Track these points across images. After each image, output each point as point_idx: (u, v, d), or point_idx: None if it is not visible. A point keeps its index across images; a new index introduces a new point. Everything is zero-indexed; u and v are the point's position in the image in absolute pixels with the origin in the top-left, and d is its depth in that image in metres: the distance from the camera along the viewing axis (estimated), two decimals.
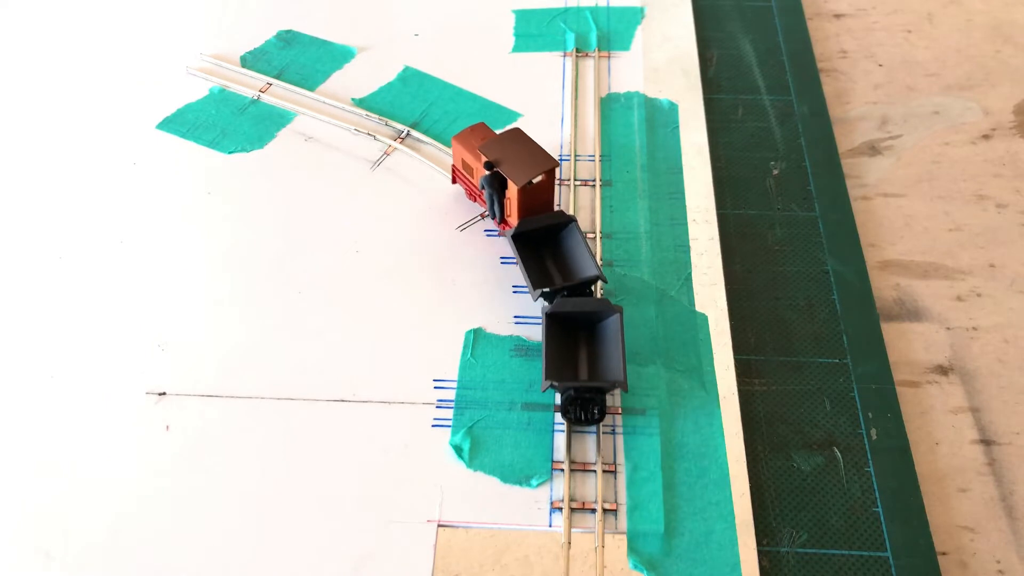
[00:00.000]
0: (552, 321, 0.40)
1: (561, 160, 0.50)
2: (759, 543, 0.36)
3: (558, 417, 0.39)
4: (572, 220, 0.43)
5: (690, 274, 0.44)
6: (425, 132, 0.52)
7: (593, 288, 0.42)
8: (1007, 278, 0.45)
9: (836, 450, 0.38)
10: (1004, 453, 0.39)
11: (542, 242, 0.44)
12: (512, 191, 0.44)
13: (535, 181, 0.43)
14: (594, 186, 0.49)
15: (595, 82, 0.55)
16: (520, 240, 0.43)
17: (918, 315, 0.44)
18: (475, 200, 0.48)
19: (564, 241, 0.43)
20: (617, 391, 0.39)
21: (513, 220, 0.45)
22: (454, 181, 0.49)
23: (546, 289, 0.41)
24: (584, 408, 0.38)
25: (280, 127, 0.53)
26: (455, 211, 0.48)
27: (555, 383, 0.38)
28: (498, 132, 0.46)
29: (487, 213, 0.47)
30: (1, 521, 0.37)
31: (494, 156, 0.44)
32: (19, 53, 0.60)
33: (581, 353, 0.40)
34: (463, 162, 0.47)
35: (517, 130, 0.46)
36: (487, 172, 0.44)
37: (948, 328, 0.43)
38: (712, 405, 0.39)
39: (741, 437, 0.38)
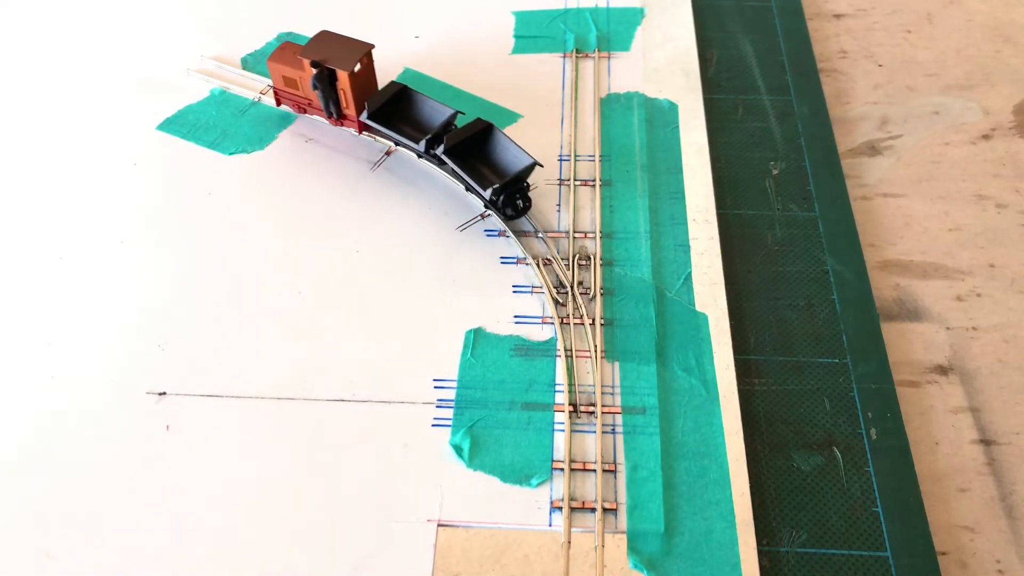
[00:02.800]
0: (454, 155, 0.46)
1: (561, 160, 0.50)
2: (759, 543, 0.36)
3: (558, 417, 0.39)
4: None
5: (690, 274, 0.44)
6: None
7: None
8: (1007, 278, 0.45)
9: (836, 450, 0.38)
10: (1004, 453, 0.39)
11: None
12: (343, 80, 0.48)
13: (359, 68, 0.48)
14: (594, 186, 0.49)
15: (595, 82, 0.55)
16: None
17: (918, 315, 0.44)
18: (305, 112, 0.52)
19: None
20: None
21: (350, 112, 0.49)
22: (279, 103, 0.53)
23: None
24: (513, 201, 0.45)
25: (281, 128, 0.53)
26: (455, 211, 0.48)
27: (495, 186, 0.44)
28: (305, 43, 0.50)
29: (323, 113, 0.50)
30: (1, 521, 0.37)
31: (315, 56, 0.48)
32: (19, 53, 0.60)
33: (484, 169, 0.47)
34: (284, 79, 0.51)
35: (324, 31, 0.50)
36: (314, 72, 0.47)
37: (948, 328, 0.43)
38: (712, 404, 0.39)
39: (741, 437, 0.38)
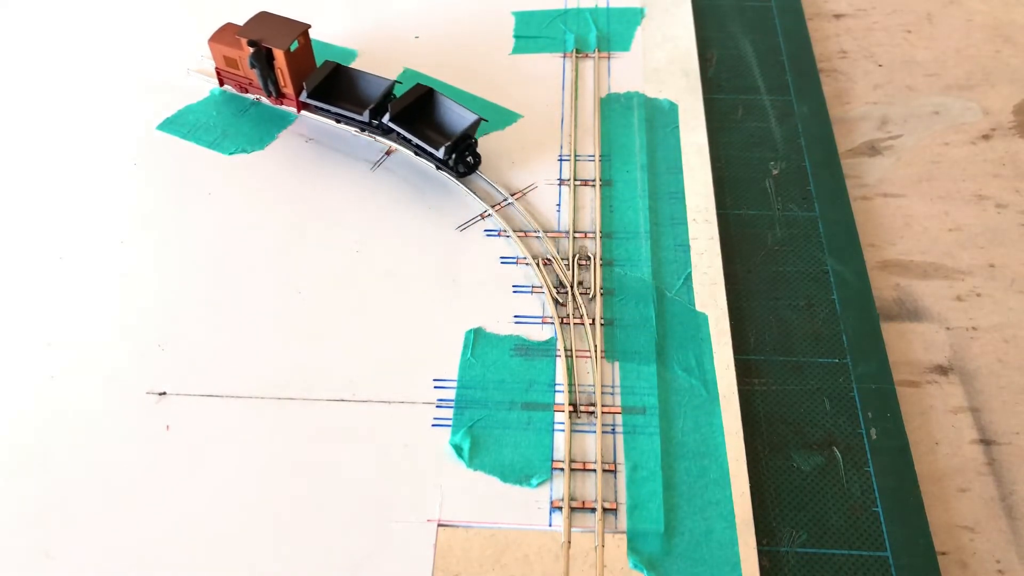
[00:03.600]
0: (399, 121, 0.48)
1: (561, 160, 0.50)
2: (759, 543, 0.36)
3: (558, 417, 0.39)
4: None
5: (690, 274, 0.44)
6: None
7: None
8: (1007, 278, 0.45)
9: (836, 450, 0.38)
10: (1004, 453, 0.39)
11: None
12: (280, 59, 0.49)
13: (295, 46, 0.49)
14: (594, 186, 0.49)
15: (595, 82, 0.55)
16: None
17: (918, 315, 0.44)
18: (246, 92, 0.54)
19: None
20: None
21: (288, 90, 0.50)
22: (221, 84, 0.54)
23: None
24: (463, 158, 0.47)
25: (281, 128, 0.53)
26: (455, 211, 0.48)
27: (447, 144, 0.46)
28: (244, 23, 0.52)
29: (263, 92, 0.52)
30: (1, 521, 0.37)
31: (252, 36, 0.50)
32: (19, 54, 0.60)
33: (430, 132, 0.48)
34: (225, 59, 0.52)
35: (264, 12, 0.51)
36: (252, 51, 0.49)
37: (948, 328, 0.43)
38: (712, 404, 0.39)
39: (741, 436, 0.38)
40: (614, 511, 0.36)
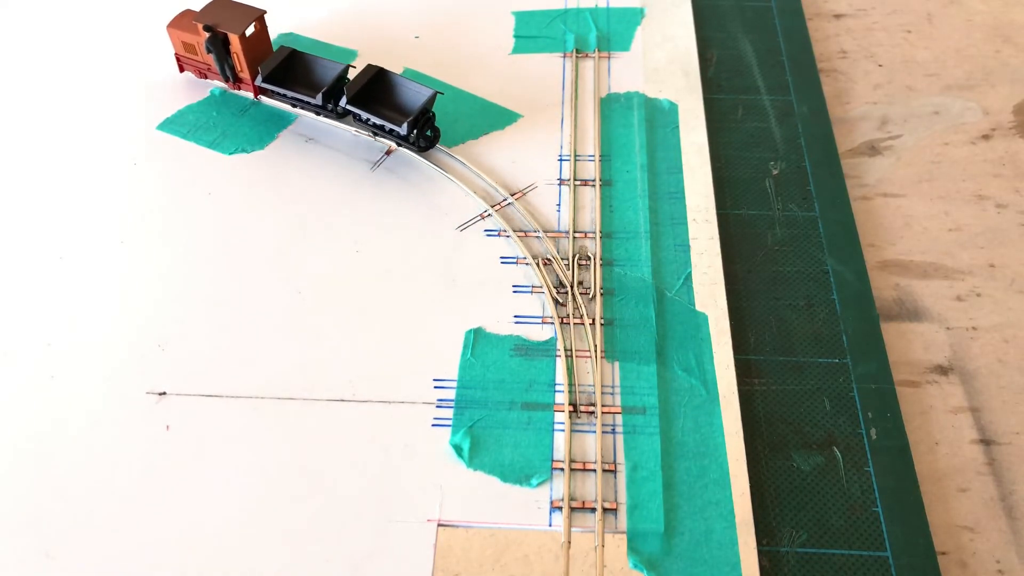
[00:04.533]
0: (356, 103, 0.49)
1: (561, 160, 0.50)
2: (759, 543, 0.36)
3: (558, 416, 0.39)
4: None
5: (690, 274, 0.44)
6: None
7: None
8: (1007, 278, 0.45)
9: (836, 450, 0.38)
10: (1004, 453, 0.39)
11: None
12: (235, 44, 0.50)
13: (250, 31, 0.50)
14: (594, 186, 0.49)
15: (595, 82, 0.55)
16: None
17: (918, 315, 0.44)
18: (206, 77, 0.55)
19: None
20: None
21: (244, 75, 0.51)
22: (181, 70, 0.55)
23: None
24: (423, 133, 0.48)
25: (280, 128, 0.53)
26: (455, 211, 0.48)
27: (409, 120, 0.47)
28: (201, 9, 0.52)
29: (220, 77, 0.53)
30: (1, 521, 0.37)
31: (208, 21, 0.50)
32: (19, 53, 0.60)
33: (388, 111, 0.49)
34: (183, 44, 0.53)
35: None
36: (207, 36, 0.50)
37: (948, 328, 0.43)
38: (712, 404, 0.39)
39: (741, 436, 0.38)
40: (614, 511, 0.36)
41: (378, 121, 0.48)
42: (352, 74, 0.51)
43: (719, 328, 0.42)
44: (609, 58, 0.57)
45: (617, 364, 0.41)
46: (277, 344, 0.42)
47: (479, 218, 0.47)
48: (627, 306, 0.43)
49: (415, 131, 0.48)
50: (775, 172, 0.50)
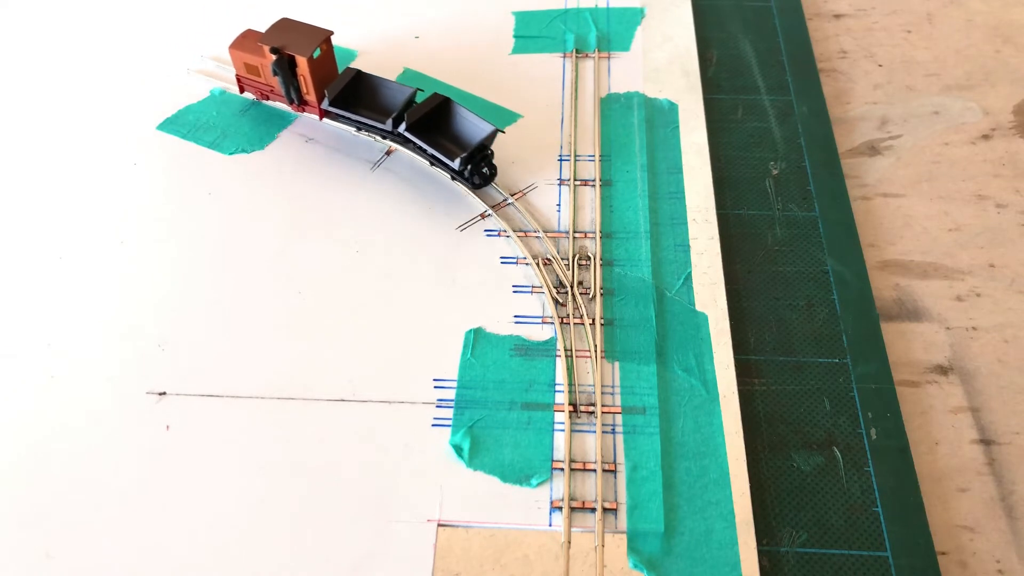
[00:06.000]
0: (416, 130, 0.47)
1: (561, 160, 0.50)
2: (759, 543, 0.36)
3: (558, 417, 0.39)
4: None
5: (690, 274, 0.44)
6: None
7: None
8: (1007, 278, 0.45)
9: (836, 450, 0.38)
10: (1004, 453, 0.39)
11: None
12: (303, 66, 0.49)
13: (318, 54, 0.49)
14: (594, 186, 0.49)
15: (595, 82, 0.55)
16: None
17: (918, 315, 0.44)
18: (268, 99, 0.53)
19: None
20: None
21: (311, 97, 0.50)
22: (241, 91, 0.54)
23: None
24: (479, 169, 0.47)
25: (280, 128, 0.53)
26: (455, 211, 0.48)
27: (463, 156, 0.45)
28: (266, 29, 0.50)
29: (285, 99, 0.51)
30: (1, 521, 0.37)
31: (275, 43, 0.49)
32: (19, 53, 0.60)
33: (446, 142, 0.48)
34: (246, 66, 0.52)
35: (285, 19, 0.50)
36: (274, 59, 0.48)
37: (948, 328, 0.43)
38: (712, 404, 0.39)
39: (741, 436, 0.38)
40: (614, 511, 0.36)
41: (433, 152, 0.47)
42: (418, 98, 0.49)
43: (719, 328, 0.42)
44: (609, 58, 0.57)
45: (617, 364, 0.41)
46: (277, 344, 0.42)
47: (479, 218, 0.48)
48: (627, 306, 0.43)
49: (469, 166, 0.47)
50: (775, 172, 0.50)
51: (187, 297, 0.45)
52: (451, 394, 0.40)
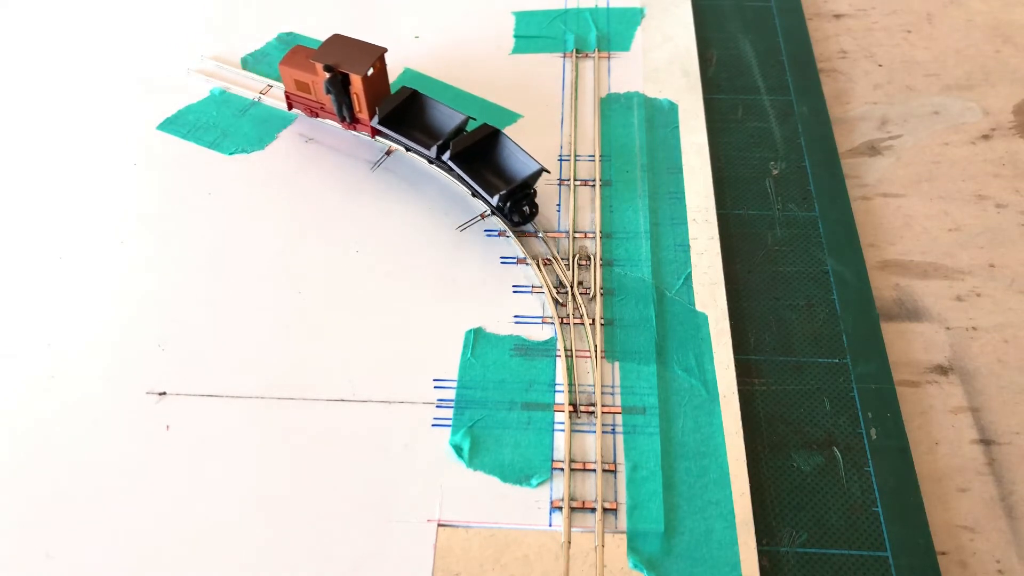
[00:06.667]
0: (460, 159, 0.46)
1: (561, 160, 0.50)
2: (759, 543, 0.36)
3: (558, 416, 0.39)
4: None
5: (690, 274, 0.44)
6: None
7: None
8: (1007, 278, 0.45)
9: (836, 450, 0.38)
10: (1004, 453, 0.39)
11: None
12: (356, 84, 0.47)
13: (372, 72, 0.47)
14: (594, 186, 0.49)
15: (595, 82, 0.55)
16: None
17: (918, 315, 0.44)
18: (317, 115, 0.52)
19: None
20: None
21: (363, 115, 0.48)
22: (290, 107, 0.53)
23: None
24: (519, 207, 0.45)
25: (281, 128, 0.53)
26: (455, 211, 0.48)
27: (503, 191, 0.44)
28: (318, 47, 0.49)
29: (336, 117, 0.50)
30: (1, 521, 0.37)
31: (328, 60, 0.47)
32: (20, 54, 0.60)
33: (490, 175, 0.46)
34: (296, 83, 0.50)
35: (337, 35, 0.49)
36: (328, 76, 0.47)
37: (948, 328, 0.43)
38: (712, 404, 0.39)
39: (741, 436, 0.38)
40: (614, 511, 0.36)
41: (475, 186, 0.45)
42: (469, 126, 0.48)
43: (719, 328, 0.42)
44: (609, 58, 0.57)
45: (617, 364, 0.41)
46: (277, 344, 0.42)
47: (479, 218, 0.47)
48: (627, 306, 0.43)
49: (508, 203, 0.45)
50: (775, 172, 0.50)
51: (187, 297, 0.45)
52: (451, 394, 0.40)
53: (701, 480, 0.37)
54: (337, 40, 0.49)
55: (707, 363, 0.41)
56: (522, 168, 0.45)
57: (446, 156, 0.46)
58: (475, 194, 0.47)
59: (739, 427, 0.39)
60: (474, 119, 0.47)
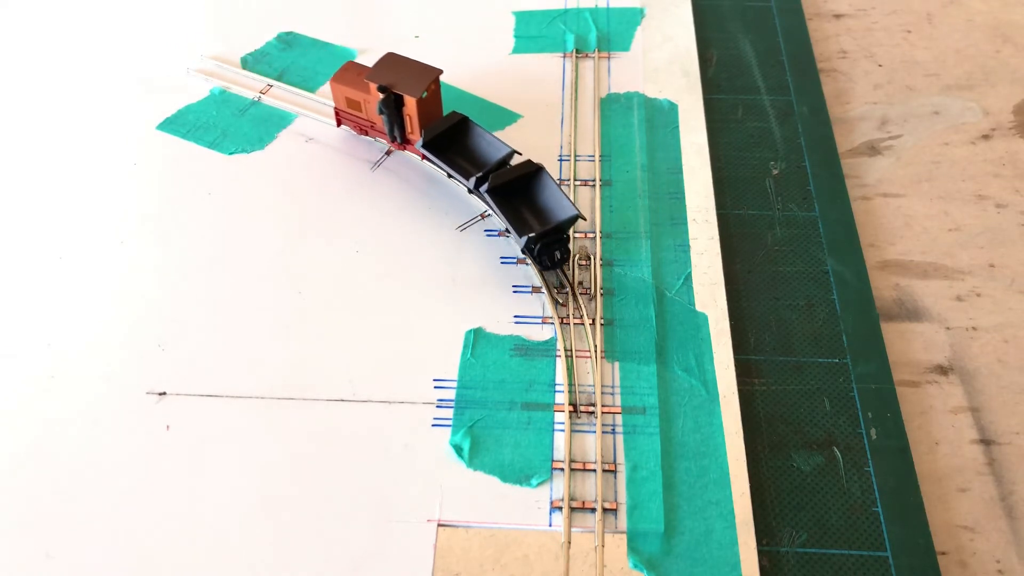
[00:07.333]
0: (496, 194, 0.44)
1: (561, 160, 0.50)
2: (759, 543, 0.36)
3: (558, 416, 0.39)
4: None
5: (690, 274, 0.44)
6: None
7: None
8: (1007, 278, 0.45)
9: (836, 450, 0.38)
10: (1004, 453, 0.39)
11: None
12: (410, 106, 0.46)
13: (425, 94, 0.46)
14: (594, 186, 0.49)
15: (595, 82, 0.55)
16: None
17: (918, 315, 0.44)
18: (367, 134, 0.51)
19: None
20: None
21: (414, 136, 0.47)
22: (339, 124, 0.52)
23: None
24: (550, 251, 0.42)
25: (280, 128, 0.53)
26: (455, 211, 0.48)
27: (531, 234, 0.42)
28: (373, 64, 0.49)
29: (387, 136, 0.49)
30: (1, 521, 0.37)
31: (383, 81, 0.47)
32: (20, 54, 0.60)
33: (527, 212, 0.44)
34: (347, 100, 0.50)
35: (391, 54, 0.48)
36: (381, 97, 0.46)
37: (948, 328, 0.43)
38: (712, 404, 0.39)
39: (741, 436, 0.38)
40: (614, 511, 0.36)
41: (507, 224, 0.43)
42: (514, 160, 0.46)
43: (719, 328, 0.42)
44: (609, 58, 0.57)
45: (617, 364, 0.41)
46: (277, 344, 0.42)
47: (479, 218, 0.47)
48: (627, 306, 0.43)
49: (537, 245, 0.42)
50: (775, 172, 0.50)
51: (187, 297, 0.45)
52: (451, 394, 0.40)
53: (701, 480, 0.37)
54: (391, 59, 0.48)
55: (707, 363, 0.41)
56: (559, 211, 0.43)
57: (483, 188, 0.44)
58: (507, 232, 0.45)
59: (739, 427, 0.39)
60: (519, 153, 0.46)
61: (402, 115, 0.48)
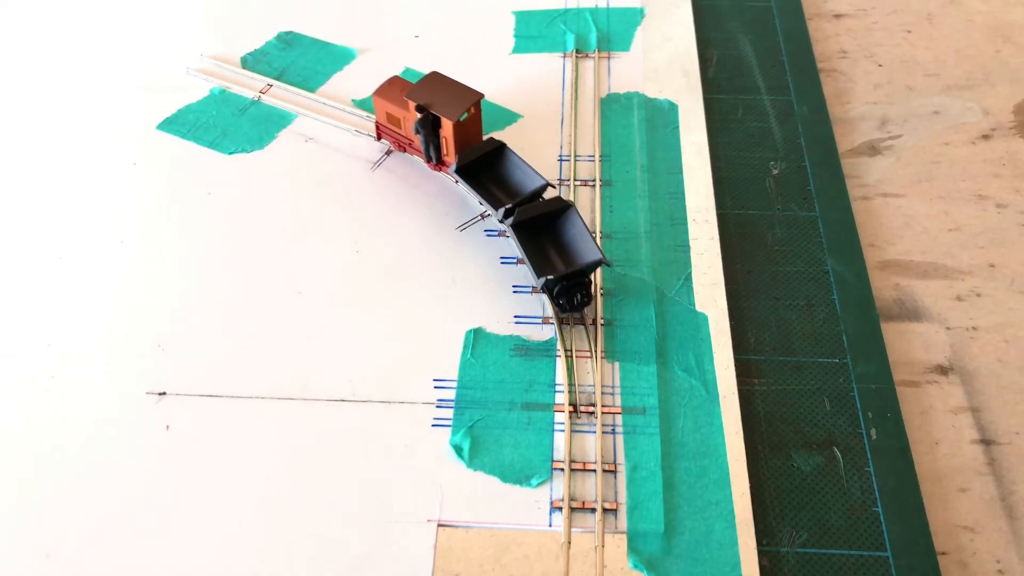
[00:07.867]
0: (521, 230, 0.43)
1: (561, 160, 0.50)
2: (759, 543, 0.36)
3: (558, 416, 0.39)
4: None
5: (690, 274, 0.44)
6: None
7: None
8: (1007, 278, 0.45)
9: (836, 450, 0.38)
10: (1004, 453, 0.39)
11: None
12: (447, 128, 0.46)
13: (464, 116, 0.46)
14: (594, 186, 0.49)
15: (595, 82, 0.55)
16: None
17: (918, 315, 0.44)
18: (405, 150, 0.50)
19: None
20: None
21: (450, 159, 0.47)
22: (379, 138, 0.51)
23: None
24: (570, 294, 0.41)
25: (280, 128, 0.53)
26: (455, 211, 0.48)
27: (550, 276, 0.40)
28: (416, 81, 0.48)
29: (423, 155, 0.49)
30: (1, 521, 0.37)
31: (422, 100, 0.46)
32: (20, 54, 0.60)
33: (551, 250, 0.43)
34: (387, 115, 0.49)
35: (435, 73, 0.48)
36: (419, 116, 0.46)
37: (948, 328, 0.43)
38: (712, 404, 0.39)
39: (741, 437, 0.38)
40: (614, 511, 0.36)
41: (528, 262, 0.42)
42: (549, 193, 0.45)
43: (719, 328, 0.42)
44: (609, 58, 0.57)
45: (617, 364, 0.41)
46: (277, 344, 0.42)
47: (479, 218, 0.47)
48: (627, 306, 0.43)
49: (557, 287, 0.41)
50: (775, 172, 0.50)
51: (187, 297, 0.45)
52: (451, 394, 0.40)
53: (701, 480, 0.37)
54: (434, 79, 0.47)
55: (707, 363, 0.41)
56: (585, 253, 0.42)
57: (508, 222, 0.43)
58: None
59: (739, 427, 0.39)
60: (554, 186, 0.45)
61: (439, 136, 0.47)
